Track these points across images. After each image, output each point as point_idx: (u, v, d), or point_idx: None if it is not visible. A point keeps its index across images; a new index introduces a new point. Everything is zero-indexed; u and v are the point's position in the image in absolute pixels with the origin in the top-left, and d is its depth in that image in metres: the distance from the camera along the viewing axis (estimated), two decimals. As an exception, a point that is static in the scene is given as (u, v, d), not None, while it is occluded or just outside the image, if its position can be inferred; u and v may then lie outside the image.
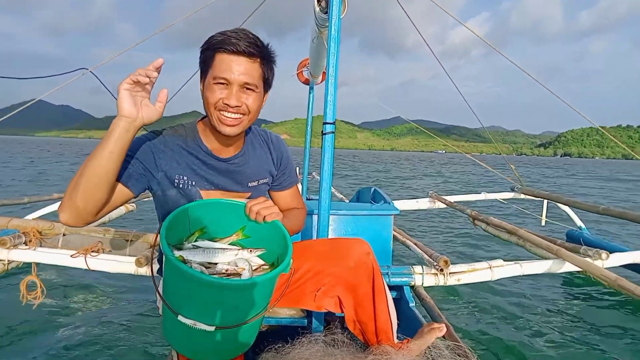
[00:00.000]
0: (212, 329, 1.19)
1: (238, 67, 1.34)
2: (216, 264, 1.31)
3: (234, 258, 1.33)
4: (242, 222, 1.45)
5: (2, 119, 2.31)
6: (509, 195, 4.96)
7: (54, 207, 3.89)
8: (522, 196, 4.84)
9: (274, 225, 1.40)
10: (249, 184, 1.60)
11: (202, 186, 1.50)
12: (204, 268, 1.28)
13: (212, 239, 1.43)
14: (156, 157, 1.43)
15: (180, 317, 1.19)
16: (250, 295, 1.20)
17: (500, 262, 2.27)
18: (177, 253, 1.28)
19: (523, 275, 2.32)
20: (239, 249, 1.38)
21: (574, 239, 4.24)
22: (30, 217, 3.17)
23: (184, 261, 1.26)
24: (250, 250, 1.37)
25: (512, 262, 2.30)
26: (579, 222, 4.53)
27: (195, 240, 1.39)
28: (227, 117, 1.38)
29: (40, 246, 2.15)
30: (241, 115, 1.40)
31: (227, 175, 1.55)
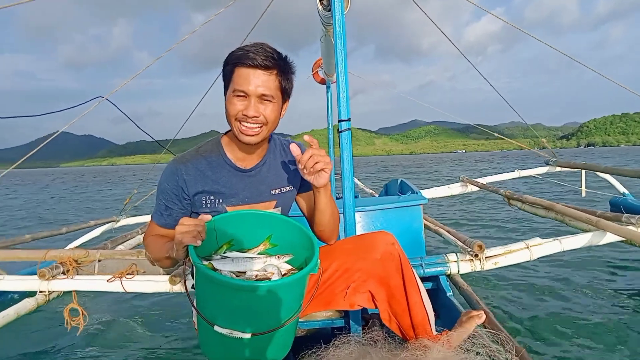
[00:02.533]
0: (248, 336, 1.19)
1: (255, 80, 1.40)
2: (245, 272, 1.31)
3: (263, 265, 1.34)
4: (268, 232, 1.47)
5: (29, 154, 2.39)
6: (544, 169, 4.79)
7: (91, 234, 4.01)
8: (558, 169, 4.67)
9: (299, 230, 1.42)
10: (272, 192, 1.62)
11: (229, 203, 1.55)
12: (233, 275, 1.28)
13: (240, 251, 1.45)
14: (184, 186, 1.52)
15: (216, 328, 1.20)
16: (282, 297, 1.20)
17: (538, 240, 2.18)
18: (205, 262, 1.29)
19: (564, 252, 2.23)
20: (267, 257, 1.39)
21: (617, 207, 4.06)
22: (69, 246, 3.27)
23: (214, 269, 1.27)
24: (278, 257, 1.39)
25: (551, 239, 2.21)
26: (621, 189, 4.35)
27: (224, 253, 1.41)
28: (246, 127, 1.44)
29: (78, 274, 2.20)
30: (260, 126, 1.45)
31: (250, 186, 1.58)
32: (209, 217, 1.32)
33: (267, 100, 1.43)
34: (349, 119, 1.95)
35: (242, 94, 1.41)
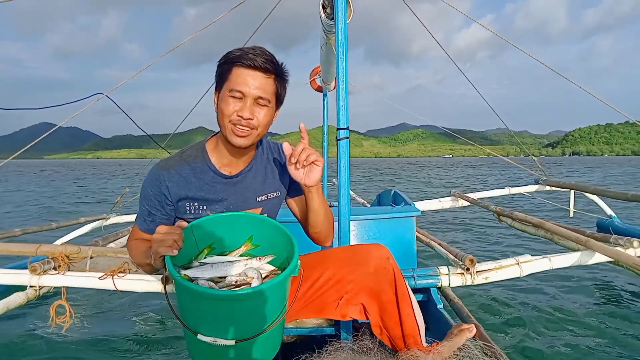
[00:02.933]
0: (232, 343, 1.19)
1: (254, 81, 1.40)
2: (225, 277, 1.31)
3: (243, 269, 1.34)
4: (249, 232, 1.46)
5: (32, 144, 2.38)
6: (534, 188, 4.84)
7: (80, 230, 3.98)
8: (547, 188, 4.72)
9: (279, 230, 1.42)
10: (258, 199, 1.62)
11: (213, 209, 1.55)
12: (212, 283, 1.28)
13: (222, 254, 1.44)
14: (166, 193, 1.51)
15: (199, 336, 1.19)
16: (263, 302, 1.20)
17: (528, 257, 2.21)
18: (183, 272, 1.29)
19: (553, 270, 2.26)
20: (248, 259, 1.39)
21: (604, 228, 4.12)
22: (58, 242, 3.23)
23: (191, 279, 1.27)
24: (259, 258, 1.39)
25: (541, 257, 2.23)
26: (608, 211, 4.41)
27: (204, 258, 1.41)
28: (238, 128, 1.43)
29: (69, 270, 2.18)
30: (251, 129, 1.44)
31: (235, 193, 1.58)
32: (185, 223, 1.32)
33: (263, 105, 1.43)
34: (348, 127, 1.97)
35: (238, 94, 1.40)
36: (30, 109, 2.32)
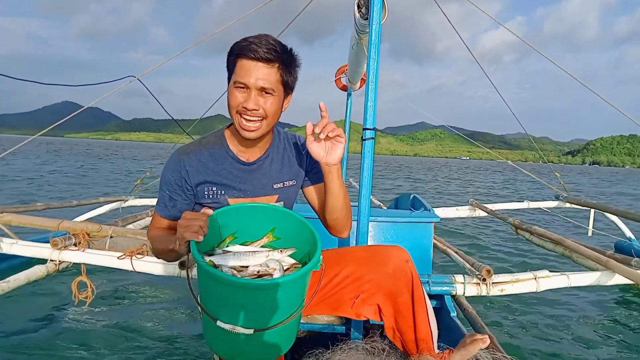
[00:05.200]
0: (250, 332, 1.20)
1: (256, 73, 1.40)
2: (247, 267, 1.32)
3: (265, 260, 1.35)
4: (271, 224, 1.47)
5: (60, 122, 2.42)
6: (553, 203, 4.78)
7: (99, 210, 4.05)
8: (567, 205, 4.66)
9: (302, 224, 1.42)
10: (274, 186, 1.62)
11: (231, 194, 1.56)
12: (235, 271, 1.29)
13: (243, 244, 1.45)
14: (186, 177, 1.54)
15: (218, 323, 1.20)
16: (284, 294, 1.21)
17: (546, 272, 2.19)
18: (207, 259, 1.30)
19: (569, 287, 2.24)
20: (269, 251, 1.40)
21: (624, 251, 4.05)
22: (79, 219, 3.30)
23: (215, 266, 1.28)
24: (281, 251, 1.39)
25: (559, 273, 2.21)
26: (628, 233, 4.34)
27: (227, 246, 1.42)
28: (246, 122, 1.45)
29: (89, 247, 2.23)
30: (260, 119, 1.45)
31: (252, 179, 1.59)
32: (211, 211, 1.33)
33: (268, 94, 1.44)
34: (374, 128, 1.97)
35: (242, 85, 1.42)
36: (64, 85, 2.37)
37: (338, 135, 1.42)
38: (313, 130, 1.42)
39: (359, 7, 2.44)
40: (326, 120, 1.41)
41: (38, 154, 27.68)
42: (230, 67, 1.46)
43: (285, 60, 1.45)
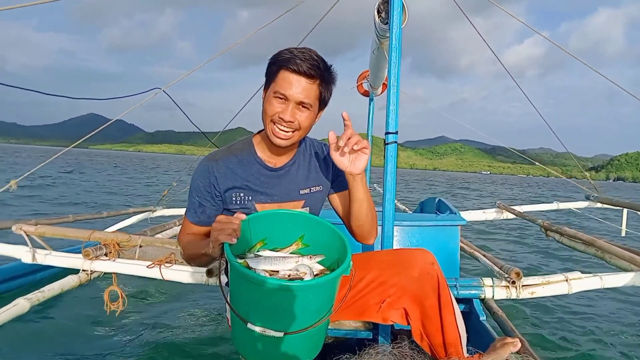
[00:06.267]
0: (280, 334, 1.21)
1: (297, 86, 1.42)
2: (278, 271, 1.33)
3: (295, 265, 1.36)
4: (301, 232, 1.48)
5: (89, 135, 2.48)
6: (584, 204, 4.65)
7: (129, 221, 4.14)
8: (598, 205, 4.52)
9: (332, 231, 1.43)
10: (301, 192, 1.64)
11: (258, 200, 1.58)
12: (266, 274, 1.31)
13: (273, 250, 1.47)
14: (215, 184, 1.56)
15: (249, 325, 1.22)
16: (314, 297, 1.22)
17: (577, 274, 2.13)
18: (240, 260, 1.32)
19: (603, 289, 2.17)
20: (299, 257, 1.41)
21: (660, 251, 3.91)
22: (109, 229, 3.38)
23: (248, 267, 1.30)
24: (310, 257, 1.40)
25: (591, 275, 2.15)
26: (663, 233, 4.19)
27: (258, 251, 1.44)
28: (279, 130, 1.47)
29: (119, 257, 2.28)
30: (292, 131, 1.48)
31: (279, 185, 1.60)
32: (243, 215, 1.34)
33: (305, 108, 1.46)
34: (397, 132, 1.97)
35: (282, 96, 1.43)
36: (93, 99, 2.44)
37: (364, 147, 1.42)
38: (337, 143, 1.42)
39: (378, 12, 2.44)
40: (350, 132, 1.41)
41: (66, 166, 28.44)
42: (271, 76, 1.47)
43: (325, 78, 1.48)
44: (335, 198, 1.72)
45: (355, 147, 1.40)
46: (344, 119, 1.42)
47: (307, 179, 1.65)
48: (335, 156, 1.45)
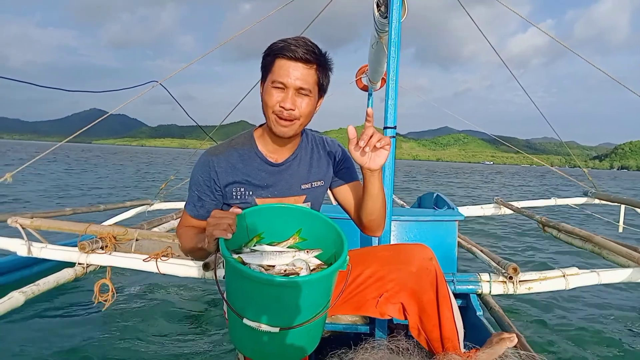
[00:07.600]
0: (276, 330, 1.21)
1: (295, 73, 1.42)
2: (274, 266, 1.33)
3: (291, 260, 1.35)
4: (298, 225, 1.48)
5: (85, 128, 2.46)
6: (582, 200, 4.66)
7: (126, 214, 4.12)
8: (596, 201, 4.53)
9: (329, 225, 1.43)
10: (302, 186, 1.63)
11: (259, 195, 1.57)
12: (262, 269, 1.30)
13: (270, 244, 1.46)
14: (215, 178, 1.55)
15: (245, 320, 1.21)
16: (310, 293, 1.21)
17: (575, 270, 2.13)
18: (235, 256, 1.31)
19: (599, 285, 2.17)
20: (296, 251, 1.40)
21: (657, 247, 3.92)
22: (106, 223, 3.37)
23: (243, 263, 1.29)
24: (307, 252, 1.39)
25: (588, 271, 2.15)
26: (662, 229, 4.19)
27: (254, 246, 1.43)
28: (282, 118, 1.46)
29: (115, 250, 2.27)
30: (293, 120, 1.47)
31: (280, 180, 1.60)
32: (239, 210, 1.34)
33: (304, 94, 1.45)
34: (395, 126, 1.96)
35: (280, 85, 1.43)
36: (87, 91, 2.43)
37: (386, 145, 1.40)
38: (357, 142, 1.40)
39: (378, 5, 2.43)
40: (371, 130, 1.38)
41: (68, 160, 28.39)
42: (268, 67, 1.47)
43: (322, 63, 1.47)
44: (340, 191, 1.71)
45: (378, 145, 1.39)
46: (367, 115, 1.40)
47: (308, 174, 1.64)
48: (356, 153, 1.44)
